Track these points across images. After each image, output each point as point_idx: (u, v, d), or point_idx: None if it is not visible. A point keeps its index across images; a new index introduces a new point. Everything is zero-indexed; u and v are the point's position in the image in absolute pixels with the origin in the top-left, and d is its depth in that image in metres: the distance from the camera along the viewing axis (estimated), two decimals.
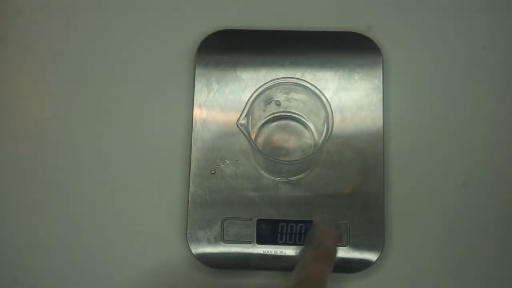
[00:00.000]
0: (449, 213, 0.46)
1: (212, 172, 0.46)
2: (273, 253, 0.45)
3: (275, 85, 0.41)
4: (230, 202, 0.45)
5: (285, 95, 0.43)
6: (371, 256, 0.44)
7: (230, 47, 0.48)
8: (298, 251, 0.45)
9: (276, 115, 0.47)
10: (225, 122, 0.46)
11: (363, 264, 0.44)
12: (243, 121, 0.40)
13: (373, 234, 0.45)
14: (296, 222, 0.45)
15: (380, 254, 0.44)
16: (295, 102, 0.44)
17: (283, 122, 0.47)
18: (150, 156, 0.47)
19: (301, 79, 0.41)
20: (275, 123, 0.47)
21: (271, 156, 0.41)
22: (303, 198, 0.45)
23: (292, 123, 0.47)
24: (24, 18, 0.51)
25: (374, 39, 0.48)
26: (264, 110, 0.45)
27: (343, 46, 0.48)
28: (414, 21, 0.50)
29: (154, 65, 0.49)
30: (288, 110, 0.46)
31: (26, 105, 0.49)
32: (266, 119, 0.46)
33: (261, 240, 0.45)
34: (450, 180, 0.47)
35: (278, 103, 0.45)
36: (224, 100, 0.47)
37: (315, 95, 0.40)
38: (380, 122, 0.46)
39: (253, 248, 0.45)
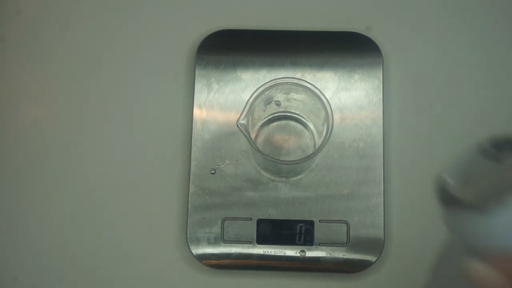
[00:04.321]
0: None
1: (212, 172, 0.46)
2: (273, 253, 0.45)
3: (275, 85, 0.41)
4: (230, 202, 0.45)
5: (285, 95, 0.43)
6: (371, 256, 0.44)
7: (230, 47, 0.48)
8: (298, 251, 0.45)
9: (276, 115, 0.46)
10: (225, 122, 0.46)
11: (363, 264, 0.44)
12: (243, 121, 0.40)
13: (373, 234, 0.45)
14: (296, 222, 0.45)
15: (380, 254, 0.44)
16: (295, 102, 0.44)
17: (283, 122, 0.47)
18: (150, 156, 0.47)
19: (301, 79, 0.41)
20: (275, 123, 0.47)
21: (271, 156, 0.41)
22: (303, 198, 0.45)
23: (292, 123, 0.47)
24: (24, 18, 0.51)
25: (374, 39, 0.48)
26: (264, 110, 0.45)
27: (343, 46, 0.48)
28: (414, 21, 0.50)
29: (154, 65, 0.49)
30: (288, 110, 0.46)
31: (26, 105, 0.49)
32: (266, 119, 0.46)
33: (261, 240, 0.45)
34: None
35: (278, 103, 0.45)
36: (224, 100, 0.47)
37: (315, 95, 0.40)
38: (380, 122, 0.46)
39: (253, 248, 0.45)
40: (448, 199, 0.19)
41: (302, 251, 0.45)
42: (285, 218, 0.45)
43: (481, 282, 0.20)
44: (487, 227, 0.18)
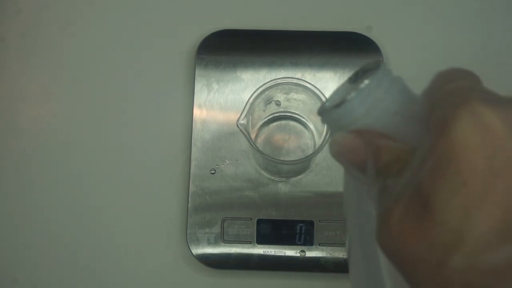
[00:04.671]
0: None
1: (212, 172, 0.46)
2: (273, 253, 0.45)
3: (275, 85, 0.41)
4: (230, 202, 0.45)
5: (285, 95, 0.43)
6: None
7: (230, 47, 0.48)
8: (298, 251, 0.45)
9: (276, 115, 0.47)
10: (225, 122, 0.46)
11: None
12: (243, 121, 0.40)
13: None
14: (296, 222, 0.45)
15: None
16: (295, 102, 0.44)
17: (283, 122, 0.47)
18: (150, 156, 0.47)
19: (301, 79, 0.41)
20: (275, 123, 0.47)
21: (271, 156, 0.41)
22: (303, 198, 0.45)
23: (292, 123, 0.47)
24: (24, 18, 0.51)
25: (374, 39, 0.48)
26: (264, 110, 0.45)
27: (343, 46, 0.48)
28: (414, 21, 0.50)
29: (154, 65, 0.49)
30: (288, 110, 0.46)
31: (26, 105, 0.50)
32: (266, 119, 0.46)
33: (261, 240, 0.45)
34: None
35: (278, 103, 0.45)
36: (224, 100, 0.47)
37: (315, 95, 0.40)
38: None
39: (253, 248, 0.45)
40: (323, 113, 0.27)
41: (302, 251, 0.45)
42: (285, 218, 0.45)
43: (338, 146, 0.26)
44: (346, 113, 0.26)
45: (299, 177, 0.46)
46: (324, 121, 0.28)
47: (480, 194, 0.18)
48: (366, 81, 0.26)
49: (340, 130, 0.26)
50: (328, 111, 0.27)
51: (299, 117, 0.46)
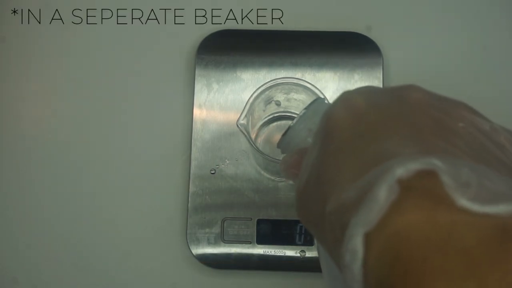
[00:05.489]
0: None
1: (212, 172, 0.46)
2: (273, 253, 0.45)
3: (275, 85, 0.41)
4: (230, 202, 0.45)
5: (285, 95, 0.43)
6: None
7: (230, 47, 0.48)
8: (298, 251, 0.45)
9: (276, 115, 0.46)
10: (225, 122, 0.46)
11: None
12: (243, 121, 0.40)
13: None
14: (296, 222, 0.45)
15: None
16: (295, 102, 0.44)
17: (283, 122, 0.47)
18: (150, 156, 0.47)
19: (301, 79, 0.41)
20: (275, 123, 0.47)
21: (271, 156, 0.41)
22: None
23: None
24: (24, 18, 0.51)
25: (374, 39, 0.48)
26: (264, 110, 0.45)
27: (343, 46, 0.48)
28: (414, 21, 0.50)
29: (154, 66, 0.49)
30: (288, 110, 0.46)
31: (26, 105, 0.50)
32: (266, 119, 0.46)
33: (261, 240, 0.45)
34: None
35: (278, 103, 0.45)
36: (224, 100, 0.47)
37: (315, 95, 0.40)
38: None
39: (253, 248, 0.45)
40: (279, 144, 0.34)
41: (302, 251, 0.45)
42: (285, 218, 0.45)
43: (284, 164, 0.32)
44: (293, 137, 0.33)
45: None
46: (282, 151, 0.34)
47: (348, 153, 0.23)
48: (303, 110, 0.32)
49: (292, 146, 0.33)
50: (281, 139, 0.33)
51: None
